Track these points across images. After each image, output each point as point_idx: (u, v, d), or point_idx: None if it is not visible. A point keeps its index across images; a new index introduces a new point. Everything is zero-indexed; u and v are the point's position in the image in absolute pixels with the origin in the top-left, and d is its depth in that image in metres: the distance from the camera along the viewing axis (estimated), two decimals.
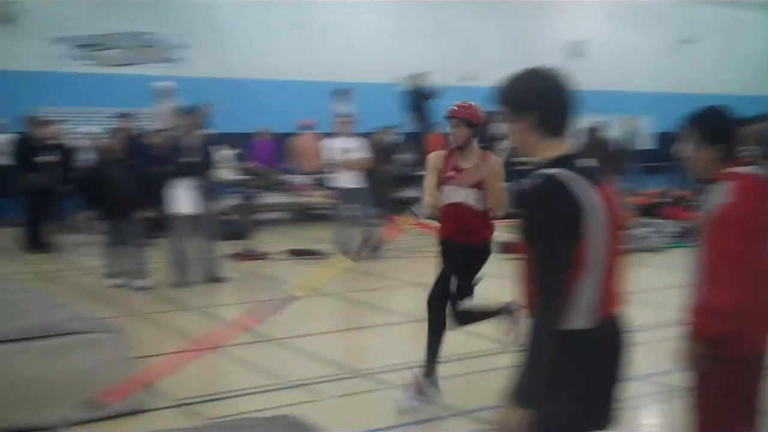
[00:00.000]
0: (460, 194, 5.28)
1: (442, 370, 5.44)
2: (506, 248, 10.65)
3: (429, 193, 5.43)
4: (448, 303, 5.38)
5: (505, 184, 5.40)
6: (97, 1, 15.58)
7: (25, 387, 4.73)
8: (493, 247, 5.51)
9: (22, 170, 11.95)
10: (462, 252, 5.36)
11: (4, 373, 4.62)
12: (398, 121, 15.74)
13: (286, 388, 5.70)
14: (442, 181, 5.35)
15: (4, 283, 6.87)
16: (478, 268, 5.45)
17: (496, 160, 5.34)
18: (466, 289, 5.43)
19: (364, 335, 7.77)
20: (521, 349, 2.50)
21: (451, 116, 5.31)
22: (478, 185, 5.23)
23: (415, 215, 5.78)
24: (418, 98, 16.20)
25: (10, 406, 4.69)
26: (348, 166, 10.85)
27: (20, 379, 4.73)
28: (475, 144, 5.35)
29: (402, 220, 5.81)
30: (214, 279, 9.55)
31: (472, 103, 5.41)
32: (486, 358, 6.28)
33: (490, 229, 5.45)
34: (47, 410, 4.75)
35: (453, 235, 5.39)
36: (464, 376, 5.91)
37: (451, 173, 5.32)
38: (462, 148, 5.32)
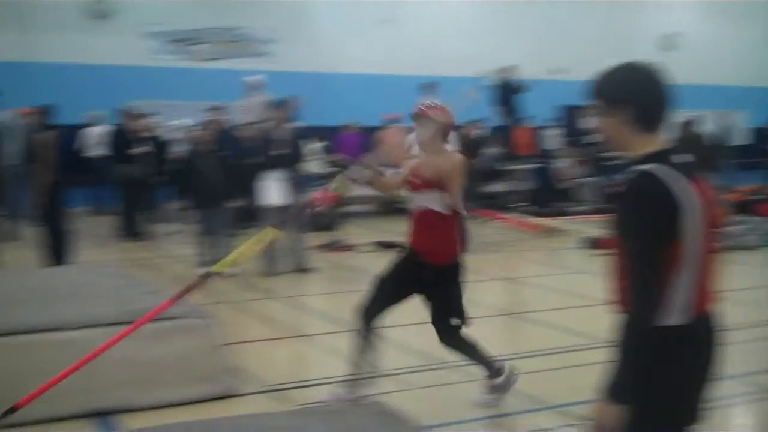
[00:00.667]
0: (424, 198, 4.90)
1: (528, 364, 5.42)
2: (596, 244, 10.61)
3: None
4: (376, 315, 5.12)
5: (591, 179, 5.28)
6: None
7: (128, 369, 4.90)
8: (463, 264, 5.00)
9: (117, 161, 12.34)
10: (431, 274, 4.95)
11: (111, 355, 4.78)
12: (486, 115, 15.67)
13: (374, 377, 5.75)
14: (409, 188, 5.03)
15: (104, 269, 7.10)
16: (453, 291, 5.01)
17: (458, 159, 4.90)
18: (447, 314, 5.03)
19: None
20: (615, 345, 2.49)
21: (416, 116, 5.04)
22: (441, 186, 4.79)
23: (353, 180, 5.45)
24: (506, 92, 16.09)
25: (116, 386, 4.87)
26: None
27: (124, 361, 4.89)
28: (440, 145, 5.01)
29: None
30: (301, 269, 9.69)
31: (439, 103, 5.09)
32: (572, 354, 6.23)
33: (459, 242, 4.94)
34: (149, 391, 4.93)
35: (422, 248, 4.98)
36: (552, 371, 5.88)
37: (414, 179, 4.97)
38: (427, 150, 4.99)
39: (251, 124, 11.40)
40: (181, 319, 5.17)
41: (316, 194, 5.24)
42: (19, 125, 11.60)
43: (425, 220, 4.91)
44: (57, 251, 8.82)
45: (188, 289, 4.71)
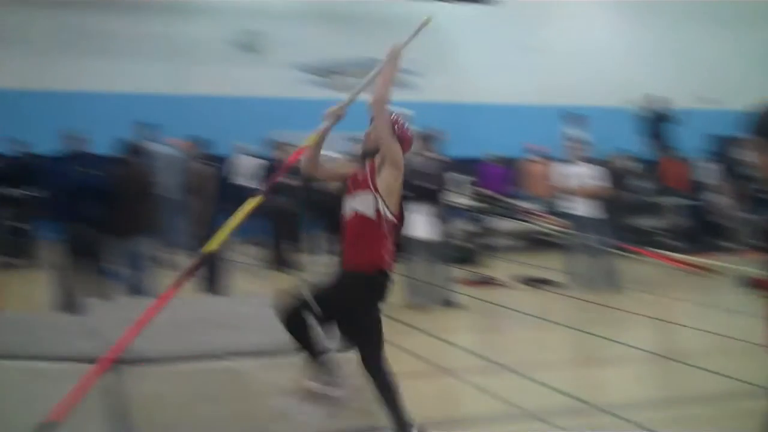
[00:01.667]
0: (356, 202, 4.59)
1: (681, 410, 5.16)
2: (752, 283, 10.07)
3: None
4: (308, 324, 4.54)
5: (747, 215, 4.95)
6: (333, 29, 16.31)
7: (270, 400, 4.96)
8: (390, 283, 4.62)
9: (267, 193, 12.65)
10: (345, 282, 4.60)
11: (253, 386, 4.85)
12: (634, 146, 15.25)
13: (523, 417, 5.63)
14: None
15: (256, 300, 7.26)
16: (367, 311, 4.62)
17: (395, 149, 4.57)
18: (361, 339, 4.66)
19: (600, 368, 7.53)
20: None
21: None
22: (376, 188, 4.52)
23: None
24: (655, 122, 15.62)
25: (267, 419, 4.93)
26: (583, 193, 10.61)
27: (268, 391, 4.94)
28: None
29: None
30: (446, 303, 9.64)
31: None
32: (728, 400, 5.89)
33: (386, 253, 4.56)
34: (293, 422, 4.96)
35: (343, 256, 4.66)
36: (707, 417, 5.58)
37: (350, 185, 4.69)
38: (366, 156, 4.75)
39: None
40: (331, 351, 5.19)
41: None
42: (176, 157, 12.11)
43: (354, 225, 4.60)
44: (212, 281, 9.11)
45: (187, 274, 4.73)
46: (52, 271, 8.74)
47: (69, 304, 8.09)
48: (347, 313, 4.61)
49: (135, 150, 9.20)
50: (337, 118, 4.83)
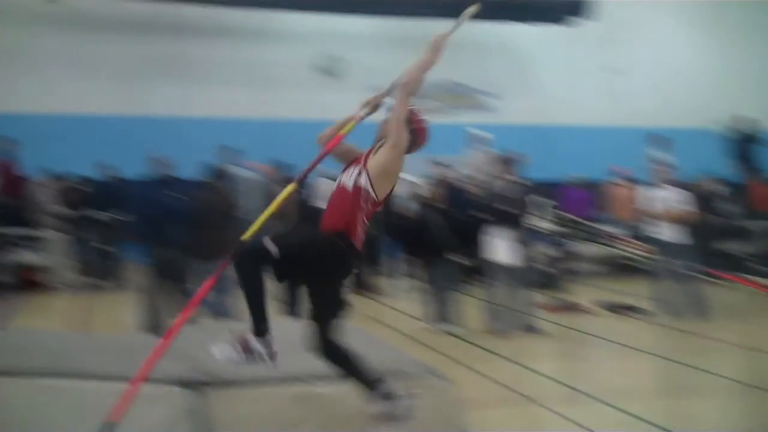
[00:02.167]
0: (344, 175, 4.60)
1: None
2: None
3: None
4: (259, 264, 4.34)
5: None
6: (411, 53, 16.33)
7: (354, 425, 4.93)
8: (355, 256, 4.49)
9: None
10: (310, 239, 4.59)
11: (337, 411, 4.81)
12: (721, 168, 14.86)
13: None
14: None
15: None
16: (328, 278, 4.53)
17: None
18: (326, 308, 4.57)
19: (687, 399, 7.29)
20: None
21: None
22: (365, 164, 4.50)
23: None
24: (743, 144, 15.21)
25: None
26: (669, 218, 10.36)
27: (352, 416, 4.91)
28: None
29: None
30: (528, 329, 9.49)
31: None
32: None
33: (357, 226, 4.46)
34: None
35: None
36: None
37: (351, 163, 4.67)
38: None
39: (476, 179, 11.43)
40: (416, 378, 5.15)
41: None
42: (258, 180, 12.27)
43: (336, 197, 4.59)
44: (293, 304, 9.15)
45: (225, 263, 4.54)
46: (138, 293, 8.92)
47: (154, 326, 8.24)
48: (308, 274, 4.54)
49: (219, 174, 9.35)
50: (375, 107, 4.84)
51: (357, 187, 4.47)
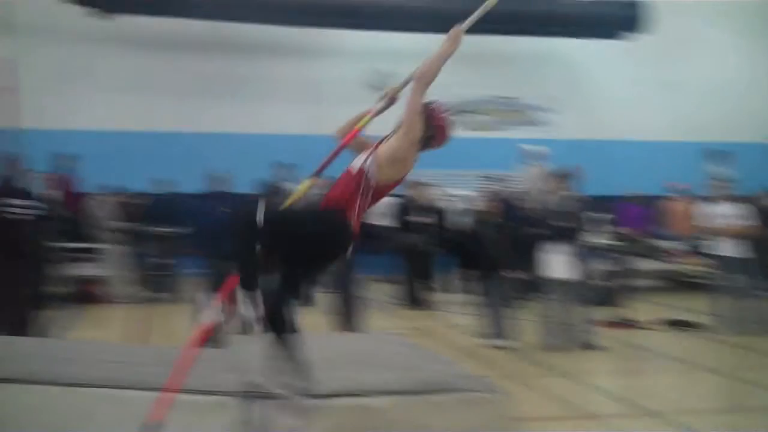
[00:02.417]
0: (356, 160, 4.59)
1: None
2: None
3: None
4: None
5: None
6: (462, 68, 16.30)
7: None
8: (347, 234, 4.38)
9: (400, 230, 12.73)
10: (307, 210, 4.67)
11: (391, 425, 4.78)
12: None
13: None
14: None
15: (391, 338, 7.24)
16: (321, 249, 4.45)
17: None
18: (300, 276, 4.56)
19: (747, 416, 7.11)
20: None
21: None
22: (376, 150, 4.50)
23: None
24: None
25: None
26: (729, 233, 10.15)
27: (406, 430, 4.88)
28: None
29: None
30: (585, 345, 9.35)
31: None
32: None
33: (354, 207, 4.39)
34: None
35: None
36: None
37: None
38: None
39: (532, 194, 11.34)
40: (471, 392, 5.10)
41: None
42: (312, 196, 12.29)
43: (339, 180, 4.57)
44: (348, 318, 9.17)
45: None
46: (194, 305, 9.00)
47: (212, 338, 8.29)
48: (299, 243, 4.43)
49: (273, 190, 9.42)
50: (392, 100, 4.84)
51: (361, 169, 4.45)
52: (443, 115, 4.67)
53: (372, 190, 4.44)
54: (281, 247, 4.44)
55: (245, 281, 4.34)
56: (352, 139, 4.73)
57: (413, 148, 4.47)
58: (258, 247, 4.32)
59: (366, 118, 4.78)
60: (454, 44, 4.60)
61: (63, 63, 14.72)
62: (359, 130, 4.74)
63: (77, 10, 14.24)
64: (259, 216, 4.26)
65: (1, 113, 7.23)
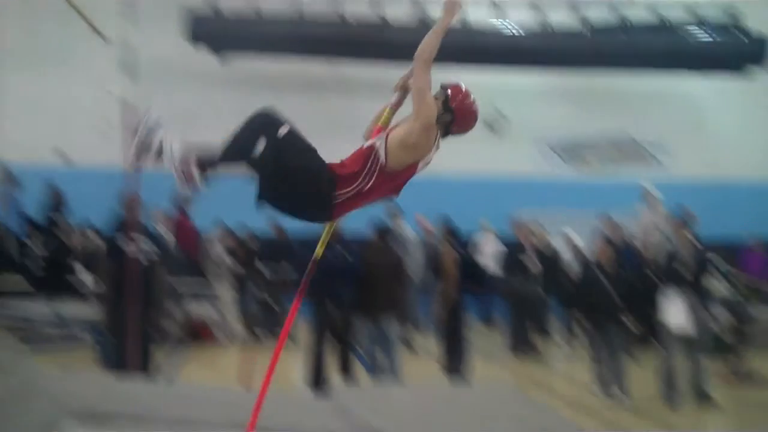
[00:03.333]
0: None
1: None
2: None
3: None
4: None
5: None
6: (577, 106, 16.05)
7: None
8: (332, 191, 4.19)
9: (509, 274, 12.48)
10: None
11: None
12: None
13: None
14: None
15: (501, 388, 7.07)
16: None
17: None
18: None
19: None
20: None
21: None
22: (388, 133, 4.28)
23: None
24: None
25: None
26: None
27: None
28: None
29: None
30: (703, 398, 8.91)
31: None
32: None
33: (351, 181, 4.21)
34: None
35: None
36: None
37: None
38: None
39: (648, 238, 10.98)
40: None
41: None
42: (421, 237, 12.25)
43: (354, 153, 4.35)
44: (454, 365, 9.01)
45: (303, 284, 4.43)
46: (302, 348, 9.02)
47: (317, 382, 8.28)
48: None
49: (384, 231, 9.39)
50: (405, 90, 4.60)
51: (371, 146, 4.27)
52: (462, 96, 4.43)
53: (380, 170, 4.25)
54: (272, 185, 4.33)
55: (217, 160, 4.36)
56: (377, 135, 4.50)
57: (427, 133, 4.24)
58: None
59: (386, 114, 4.63)
60: (449, 16, 4.35)
61: (183, 104, 15.21)
62: (383, 127, 4.55)
63: (197, 52, 14.75)
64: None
65: (122, 155, 7.44)
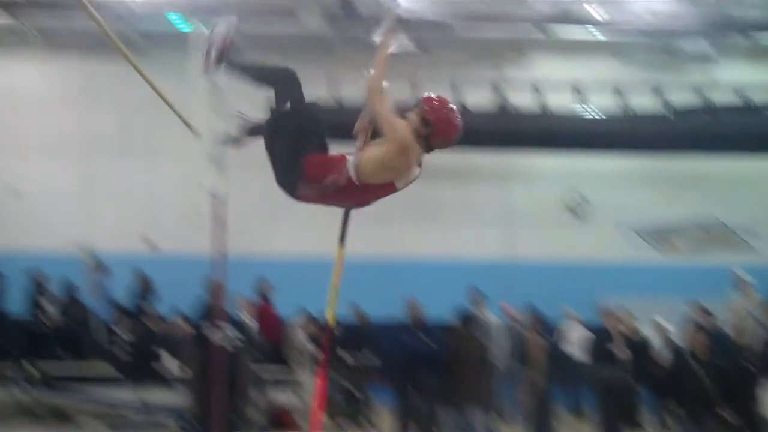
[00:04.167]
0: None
1: None
2: None
3: None
4: None
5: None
6: (661, 189, 15.78)
7: None
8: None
9: (596, 363, 12.08)
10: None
11: None
12: None
13: None
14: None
15: None
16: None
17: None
18: None
19: None
20: None
21: None
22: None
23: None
24: None
25: None
26: None
27: None
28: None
29: None
30: None
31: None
32: None
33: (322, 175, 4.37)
34: None
35: None
36: None
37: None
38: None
39: (743, 325, 10.57)
40: None
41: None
42: (508, 325, 12.04)
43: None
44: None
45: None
46: None
47: None
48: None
49: (468, 318, 9.28)
50: (366, 133, 4.60)
51: (343, 159, 4.38)
52: (438, 106, 4.34)
53: (348, 183, 4.36)
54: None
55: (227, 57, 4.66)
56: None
57: (403, 155, 4.24)
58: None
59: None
60: (384, 49, 4.38)
61: (266, 194, 15.45)
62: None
63: None
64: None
65: (210, 243, 7.60)
